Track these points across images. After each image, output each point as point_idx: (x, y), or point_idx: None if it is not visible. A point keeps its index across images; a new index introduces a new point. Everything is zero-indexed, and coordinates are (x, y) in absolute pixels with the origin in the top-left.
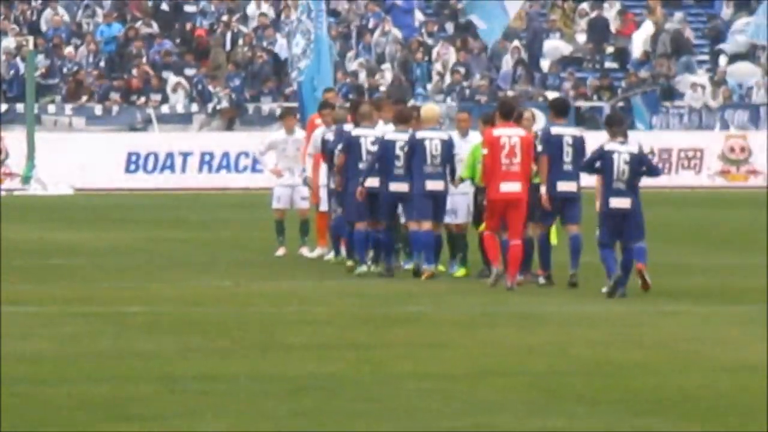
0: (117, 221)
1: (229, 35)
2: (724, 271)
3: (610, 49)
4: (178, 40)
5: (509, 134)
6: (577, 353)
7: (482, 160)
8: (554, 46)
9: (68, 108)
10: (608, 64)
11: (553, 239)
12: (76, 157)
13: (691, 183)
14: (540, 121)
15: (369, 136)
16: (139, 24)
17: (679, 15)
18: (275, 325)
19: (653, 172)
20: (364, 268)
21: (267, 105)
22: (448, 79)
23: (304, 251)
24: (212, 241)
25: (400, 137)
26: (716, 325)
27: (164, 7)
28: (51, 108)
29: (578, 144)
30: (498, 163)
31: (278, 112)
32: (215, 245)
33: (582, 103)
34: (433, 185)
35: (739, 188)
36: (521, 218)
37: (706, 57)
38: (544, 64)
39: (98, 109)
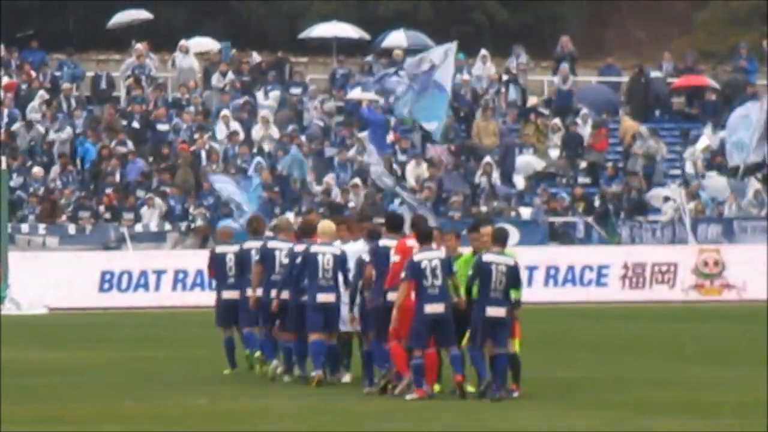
0: (91, 340)
1: (203, 153)
2: (698, 385)
3: (583, 164)
4: (150, 159)
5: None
6: None
7: (391, 267)
8: (527, 162)
9: (41, 227)
10: (581, 179)
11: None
12: (50, 277)
13: (665, 297)
14: (513, 237)
15: (283, 248)
16: (113, 143)
17: (645, 130)
18: None
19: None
20: (274, 362)
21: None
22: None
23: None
24: (187, 359)
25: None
26: None
27: (136, 125)
28: (24, 227)
29: (446, 265)
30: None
31: None
32: (190, 363)
33: (555, 219)
34: (325, 297)
35: (713, 302)
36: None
37: (678, 171)
38: (517, 180)
39: (72, 228)
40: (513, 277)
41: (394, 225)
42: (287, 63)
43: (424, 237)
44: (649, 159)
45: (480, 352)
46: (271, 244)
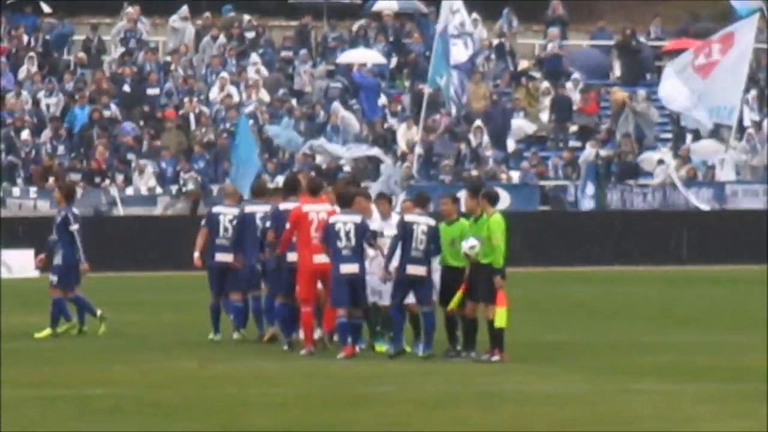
0: None
1: (191, 117)
2: (689, 348)
3: (573, 128)
4: (141, 123)
5: (317, 210)
6: None
7: (283, 233)
8: (518, 125)
9: (32, 191)
10: (572, 143)
11: (501, 321)
12: (42, 240)
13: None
14: (504, 201)
15: (227, 213)
16: (102, 106)
17: (642, 93)
18: (240, 407)
19: (437, 249)
20: (218, 337)
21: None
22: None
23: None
24: (176, 323)
25: (259, 209)
26: (681, 403)
27: (127, 89)
28: (15, 191)
29: (361, 229)
30: (308, 237)
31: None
32: (179, 327)
33: (546, 183)
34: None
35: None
36: (325, 288)
37: (669, 135)
38: (510, 143)
39: None
40: (432, 237)
41: (291, 188)
42: (313, 30)
43: (344, 201)
44: (643, 121)
45: (399, 310)
46: (215, 209)
